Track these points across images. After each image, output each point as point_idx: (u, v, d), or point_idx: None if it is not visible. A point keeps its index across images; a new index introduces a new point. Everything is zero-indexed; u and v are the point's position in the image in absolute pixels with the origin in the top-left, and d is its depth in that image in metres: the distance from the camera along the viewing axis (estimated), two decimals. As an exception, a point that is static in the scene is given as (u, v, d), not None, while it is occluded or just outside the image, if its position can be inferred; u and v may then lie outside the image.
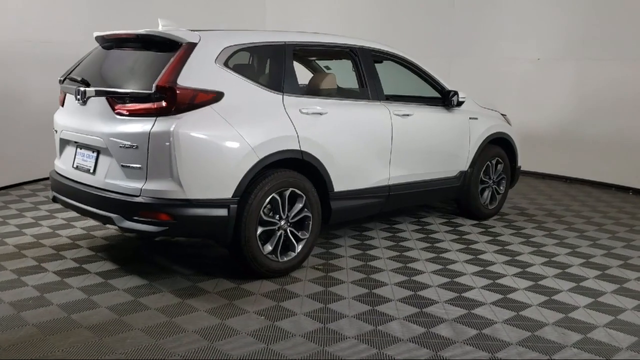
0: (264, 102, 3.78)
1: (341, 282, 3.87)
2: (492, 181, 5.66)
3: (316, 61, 5.76)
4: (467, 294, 3.72)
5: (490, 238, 5.01)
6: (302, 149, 3.87)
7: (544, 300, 3.66)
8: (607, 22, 7.58)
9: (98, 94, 3.62)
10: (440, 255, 4.50)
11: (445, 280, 3.96)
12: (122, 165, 3.49)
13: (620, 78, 7.48)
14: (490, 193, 5.65)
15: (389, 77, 5.45)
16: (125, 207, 3.46)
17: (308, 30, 5.16)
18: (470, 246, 4.75)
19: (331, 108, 4.15)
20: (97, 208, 3.64)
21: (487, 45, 8.65)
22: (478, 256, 4.50)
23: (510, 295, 3.72)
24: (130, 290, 3.60)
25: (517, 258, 4.48)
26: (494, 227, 5.40)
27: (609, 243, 4.98)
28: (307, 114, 3.96)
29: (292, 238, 3.91)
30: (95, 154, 3.71)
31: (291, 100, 3.92)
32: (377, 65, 5.19)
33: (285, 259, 3.88)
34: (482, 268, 4.22)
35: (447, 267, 4.23)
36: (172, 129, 3.33)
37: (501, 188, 5.80)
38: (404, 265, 4.24)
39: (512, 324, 3.30)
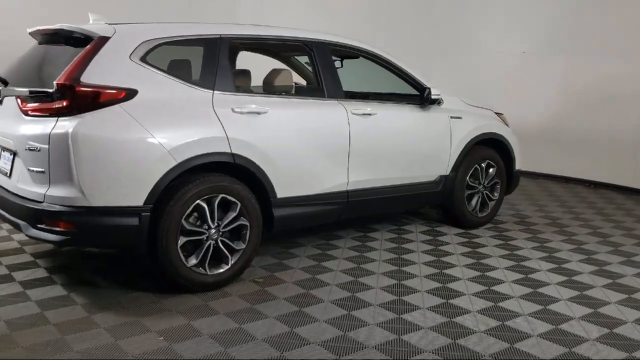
0: (188, 101, 3.47)
1: (274, 298, 3.52)
2: (482, 186, 5.15)
3: (295, 57, 5.42)
4: (407, 316, 3.29)
5: (469, 250, 4.52)
6: (234, 152, 3.54)
7: (494, 325, 3.19)
8: (595, 14, 7.10)
9: (7, 93, 3.42)
10: (403, 268, 4.07)
11: (392, 298, 3.54)
12: (29, 169, 3.27)
13: (611, 72, 6.98)
14: (479, 199, 5.15)
15: (365, 74, 5.08)
16: (30, 213, 3.24)
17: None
18: (442, 258, 4.29)
19: (273, 107, 3.80)
20: (9, 214, 3.44)
21: (470, 39, 8.21)
22: (444, 270, 4.04)
23: (459, 319, 3.26)
24: (42, 302, 3.37)
25: (488, 274, 3.99)
26: (479, 237, 4.90)
27: (604, 258, 4.39)
28: (241, 113, 3.62)
29: (224, 249, 3.59)
30: (12, 157, 3.52)
31: (223, 98, 3.60)
32: (351, 61, 4.86)
33: (215, 271, 3.57)
34: (442, 285, 3.77)
35: (402, 282, 3.80)
36: (70, 130, 3.08)
37: (495, 194, 5.28)
38: (355, 279, 3.84)
39: (442, 356, 2.86)
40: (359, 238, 4.75)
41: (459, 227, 5.16)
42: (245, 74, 4.40)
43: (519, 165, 5.48)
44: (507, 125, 5.47)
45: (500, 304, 3.48)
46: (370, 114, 4.27)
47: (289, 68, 4.46)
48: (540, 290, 3.72)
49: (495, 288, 3.73)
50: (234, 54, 5.01)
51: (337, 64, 5.21)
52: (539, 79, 7.65)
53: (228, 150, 3.53)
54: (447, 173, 4.87)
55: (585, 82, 7.24)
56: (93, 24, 3.47)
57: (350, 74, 5.34)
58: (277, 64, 5.41)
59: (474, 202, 5.12)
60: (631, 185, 7.00)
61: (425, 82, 4.70)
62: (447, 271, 4.03)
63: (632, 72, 6.77)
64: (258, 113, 3.70)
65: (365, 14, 8.92)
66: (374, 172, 4.35)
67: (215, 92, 3.58)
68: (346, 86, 5.40)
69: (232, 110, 3.60)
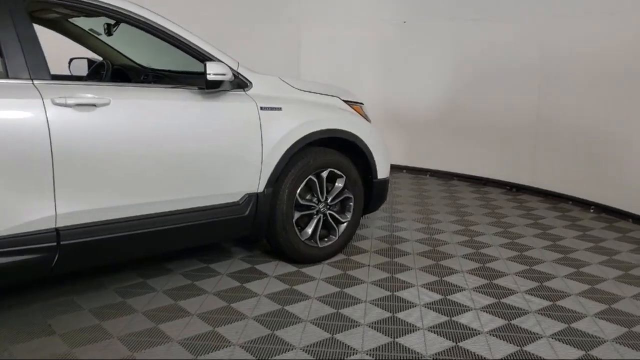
0: None
1: None
2: (323, 205, 3.63)
3: (70, 20, 3.83)
4: None
5: (276, 309, 3.00)
6: None
7: None
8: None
9: None
10: (137, 354, 2.53)
11: None
12: None
13: (502, 41, 5.69)
14: (319, 223, 3.63)
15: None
16: None
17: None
18: (217, 329, 2.77)
19: None
20: None
21: (343, 8, 6.64)
22: (203, 356, 2.51)
23: None
24: None
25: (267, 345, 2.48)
26: (310, 280, 3.38)
27: (469, 320, 2.91)
28: None
29: None
30: None
31: None
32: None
33: None
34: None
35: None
36: None
37: (346, 214, 3.77)
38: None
39: None
40: (124, 291, 3.20)
41: (293, 262, 3.65)
42: None
43: (383, 172, 3.97)
44: (367, 119, 3.96)
45: None
46: (95, 105, 2.67)
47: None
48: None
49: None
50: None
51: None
52: (426, 53, 6.24)
53: None
54: (260, 190, 3.33)
55: (481, 53, 5.85)
56: None
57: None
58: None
59: (311, 228, 3.60)
60: (532, 185, 5.70)
61: (224, 57, 3.15)
62: (208, 356, 2.50)
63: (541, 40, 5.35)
64: None
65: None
66: (111, 197, 2.78)
67: None
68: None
69: None
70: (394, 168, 6.76)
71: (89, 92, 2.69)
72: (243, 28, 6.38)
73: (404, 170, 6.75)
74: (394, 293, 3.22)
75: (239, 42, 6.07)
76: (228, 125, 3.14)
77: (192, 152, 3.02)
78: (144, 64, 4.18)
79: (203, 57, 3.08)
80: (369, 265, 3.64)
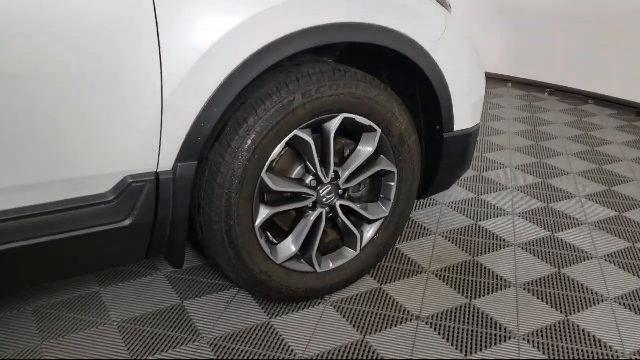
0: None
1: None
2: (329, 190, 1.70)
3: None
4: None
5: None
6: None
7: None
8: None
9: None
10: None
11: None
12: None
13: None
14: (318, 226, 1.71)
15: None
16: None
17: None
18: None
19: None
20: None
21: None
22: None
23: None
24: None
25: None
26: (272, 369, 1.57)
27: None
28: None
29: None
30: None
31: None
32: None
33: None
34: None
35: None
36: None
37: (381, 205, 1.83)
38: None
39: None
40: None
41: (265, 297, 1.82)
42: None
43: (468, 118, 1.92)
44: (441, 3, 1.86)
45: None
46: None
47: None
48: None
49: None
50: None
51: None
52: None
53: None
54: (162, 167, 1.42)
55: None
56: None
57: None
58: None
59: (298, 239, 1.70)
60: None
61: None
62: None
63: None
64: None
65: None
66: None
67: None
68: None
69: None
70: (494, 80, 4.58)
71: None
72: None
73: (509, 84, 4.54)
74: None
75: None
76: (64, 14, 1.20)
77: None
78: None
79: None
80: (418, 318, 1.74)
